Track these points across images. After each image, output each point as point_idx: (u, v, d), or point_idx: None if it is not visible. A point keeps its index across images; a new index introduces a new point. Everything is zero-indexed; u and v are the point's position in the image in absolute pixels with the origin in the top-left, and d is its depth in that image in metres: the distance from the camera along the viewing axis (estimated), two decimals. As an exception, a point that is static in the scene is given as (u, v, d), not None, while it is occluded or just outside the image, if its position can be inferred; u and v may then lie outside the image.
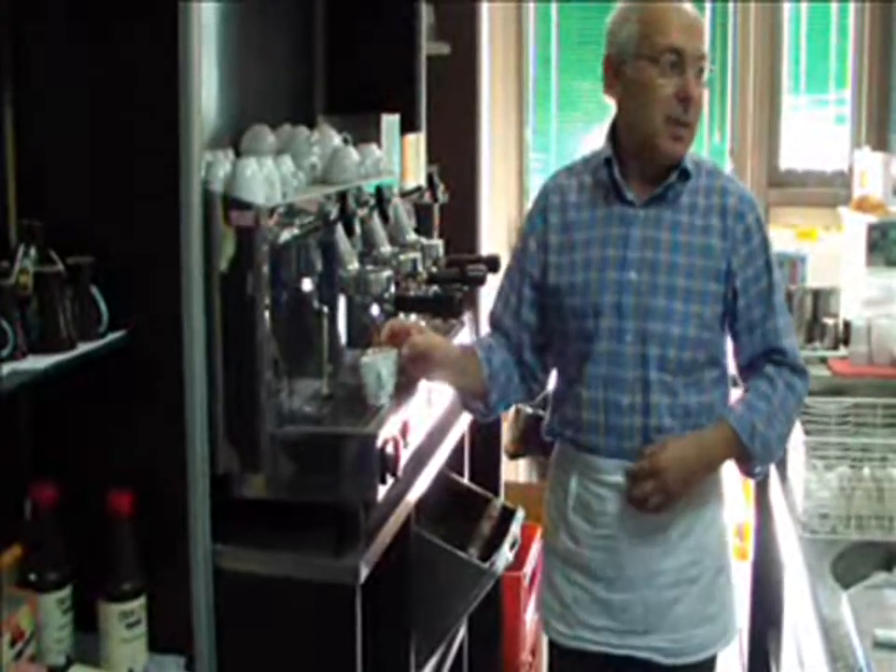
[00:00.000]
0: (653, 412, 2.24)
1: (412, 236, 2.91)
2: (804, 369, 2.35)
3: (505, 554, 2.90)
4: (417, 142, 3.34)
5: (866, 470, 2.74)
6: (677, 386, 2.25)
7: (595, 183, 2.34)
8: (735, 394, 2.37)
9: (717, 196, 2.29)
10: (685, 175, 2.28)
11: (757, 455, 2.26)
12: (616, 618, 2.32)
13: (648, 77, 2.21)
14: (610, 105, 2.34)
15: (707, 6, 5.02)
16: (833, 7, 4.95)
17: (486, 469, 3.50)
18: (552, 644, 2.48)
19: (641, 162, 2.29)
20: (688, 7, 2.25)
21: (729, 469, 2.39)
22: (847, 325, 3.53)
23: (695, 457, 2.25)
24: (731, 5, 5.01)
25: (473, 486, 3.23)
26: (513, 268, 2.43)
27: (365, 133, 2.98)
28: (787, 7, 4.97)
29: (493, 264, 3.01)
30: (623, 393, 2.26)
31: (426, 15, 3.45)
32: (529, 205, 5.19)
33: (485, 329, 2.56)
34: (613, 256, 2.27)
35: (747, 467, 2.33)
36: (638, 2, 2.26)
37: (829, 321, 3.55)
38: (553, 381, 2.46)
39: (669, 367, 2.25)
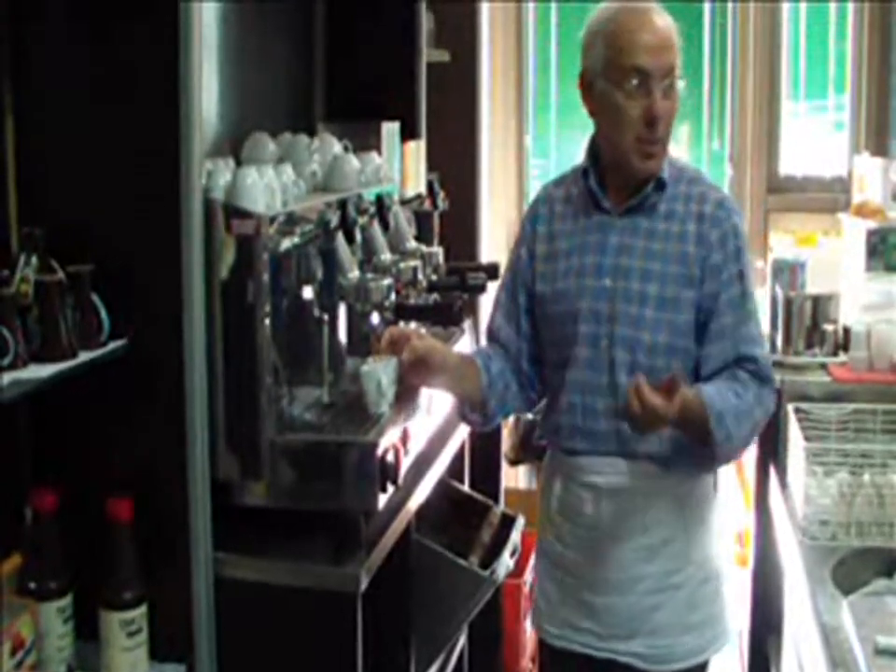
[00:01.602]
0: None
1: (412, 244, 2.91)
2: (773, 384, 2.31)
3: (505, 562, 2.90)
4: (417, 149, 3.35)
5: (866, 476, 2.74)
6: None
7: (578, 194, 2.37)
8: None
9: (696, 203, 2.29)
10: (661, 185, 2.29)
11: (719, 444, 2.19)
12: (600, 621, 2.33)
13: (615, 100, 2.21)
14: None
15: (706, 11, 5.03)
16: (832, 12, 4.95)
17: (486, 476, 3.51)
18: (542, 643, 2.50)
19: (618, 174, 2.30)
20: (656, 17, 2.22)
21: (725, 476, 2.39)
22: (846, 330, 3.53)
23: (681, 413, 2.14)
24: (730, 11, 5.01)
25: (473, 493, 3.23)
26: (508, 279, 2.45)
27: (365, 141, 2.99)
28: (786, 12, 4.97)
29: (493, 271, 3.01)
30: (598, 397, 2.27)
31: (425, 22, 3.46)
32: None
33: (485, 338, 2.57)
34: (591, 263, 2.30)
35: (705, 454, 2.25)
36: (610, 8, 2.25)
37: (828, 327, 3.54)
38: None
39: (640, 372, 2.21)
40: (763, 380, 2.27)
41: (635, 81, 2.19)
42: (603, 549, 2.31)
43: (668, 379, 2.11)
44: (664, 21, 2.23)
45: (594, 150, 2.35)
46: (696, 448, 2.23)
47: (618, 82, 2.20)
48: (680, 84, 2.23)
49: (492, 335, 2.46)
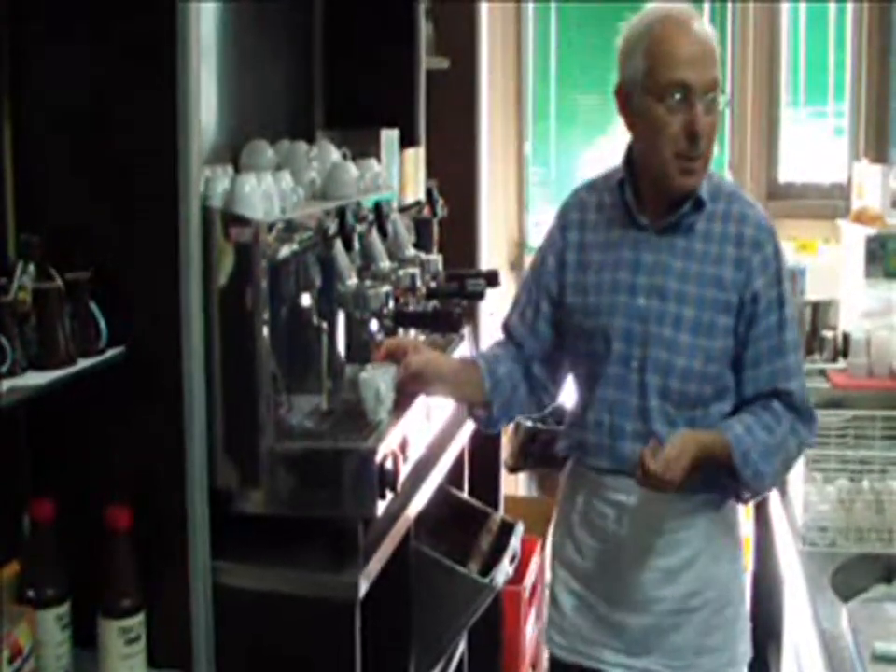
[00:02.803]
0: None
1: (411, 251, 2.91)
2: (812, 416, 2.28)
3: (505, 568, 2.89)
4: (416, 156, 3.35)
5: (865, 483, 2.75)
6: (681, 418, 2.21)
7: (612, 204, 2.30)
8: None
9: (734, 224, 2.22)
10: (700, 204, 2.22)
11: (747, 482, 2.20)
12: (615, 636, 2.30)
13: (655, 114, 2.12)
14: (614, 120, 2.30)
15: (705, 17, 5.04)
16: (831, 19, 4.96)
17: (486, 482, 3.50)
18: (551, 657, 2.47)
19: (655, 188, 2.23)
20: (698, 27, 2.13)
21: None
22: (846, 337, 3.53)
23: (698, 463, 2.14)
24: (729, 16, 5.02)
25: (473, 500, 3.23)
26: (531, 281, 2.40)
27: (364, 148, 2.98)
28: (785, 19, 4.98)
29: (492, 279, 3.01)
30: (627, 419, 2.23)
31: (424, 29, 3.46)
32: (529, 220, 5.23)
33: (488, 340, 2.56)
34: (625, 280, 2.24)
35: (734, 488, 2.26)
36: (649, 16, 2.16)
37: (828, 333, 3.55)
38: (568, 399, 2.45)
39: (672, 397, 2.21)
40: (799, 412, 2.24)
41: (678, 96, 2.10)
42: (623, 567, 2.28)
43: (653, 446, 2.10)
44: (705, 30, 2.15)
45: (630, 161, 2.28)
46: (724, 479, 2.22)
47: (659, 96, 2.12)
48: (723, 99, 2.15)
49: (506, 331, 2.42)
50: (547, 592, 2.52)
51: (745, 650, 2.38)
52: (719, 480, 2.22)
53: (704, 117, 2.12)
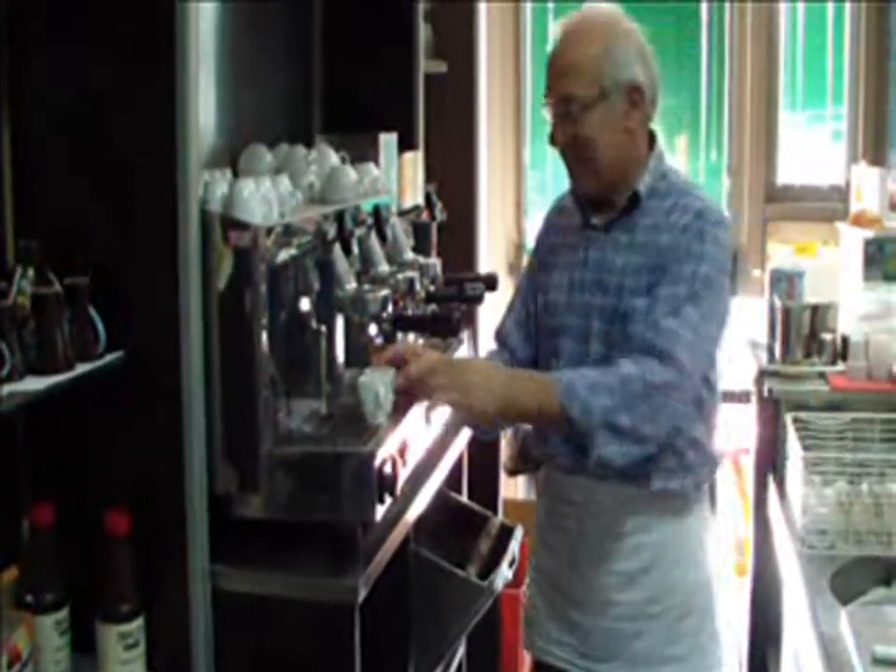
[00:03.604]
0: None
1: (409, 255, 2.91)
2: (667, 353, 2.08)
3: (504, 572, 2.89)
4: (415, 160, 3.35)
5: (864, 486, 2.75)
6: None
7: (576, 207, 2.36)
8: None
9: (677, 214, 2.22)
10: (636, 200, 2.25)
11: (576, 422, 2.05)
12: (579, 638, 2.32)
13: None
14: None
15: (704, 20, 5.04)
16: (829, 21, 4.97)
17: (485, 486, 3.51)
18: (535, 661, 2.49)
19: None
20: (574, 39, 2.26)
21: (723, 490, 2.38)
22: (844, 340, 3.53)
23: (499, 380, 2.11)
24: (727, 20, 5.03)
25: (472, 504, 3.23)
26: (524, 285, 2.46)
27: (363, 152, 2.98)
28: (783, 21, 4.98)
29: (491, 282, 3.00)
30: None
31: (423, 32, 3.46)
32: (528, 223, 5.25)
33: (486, 346, 2.56)
34: (576, 278, 2.29)
35: (581, 450, 2.13)
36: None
37: (827, 336, 3.55)
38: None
39: None
40: (655, 353, 2.09)
41: (546, 103, 2.25)
42: (584, 569, 2.30)
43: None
44: (580, 45, 2.24)
45: None
46: (663, 461, 2.19)
47: None
48: (599, 109, 2.19)
49: (500, 338, 2.46)
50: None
51: (712, 662, 2.35)
52: (658, 462, 2.19)
53: (565, 126, 2.22)
